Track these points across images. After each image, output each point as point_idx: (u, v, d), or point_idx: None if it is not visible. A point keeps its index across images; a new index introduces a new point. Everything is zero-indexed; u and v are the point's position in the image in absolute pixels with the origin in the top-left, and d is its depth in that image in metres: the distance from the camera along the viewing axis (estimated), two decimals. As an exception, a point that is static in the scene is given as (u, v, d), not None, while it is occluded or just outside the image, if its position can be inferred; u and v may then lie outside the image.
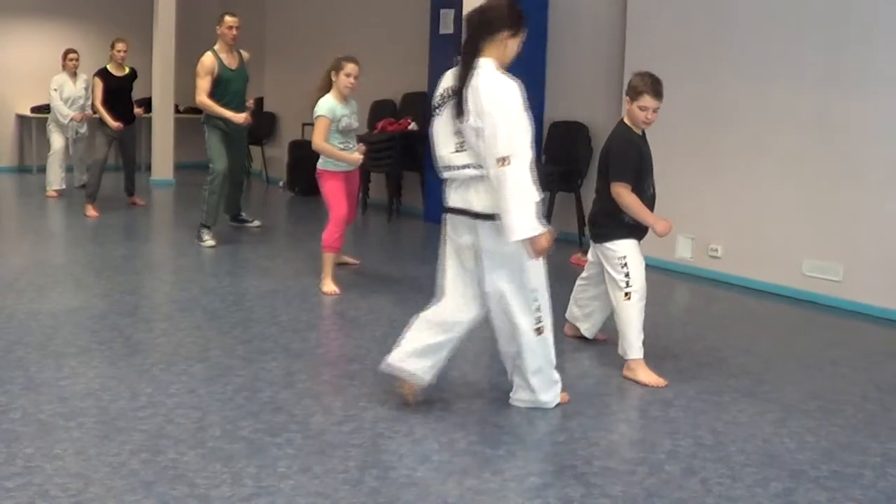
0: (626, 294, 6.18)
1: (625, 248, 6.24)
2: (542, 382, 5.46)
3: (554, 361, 5.50)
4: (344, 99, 8.25)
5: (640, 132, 6.36)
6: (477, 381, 6.16)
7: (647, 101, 6.19)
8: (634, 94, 6.24)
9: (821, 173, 8.44)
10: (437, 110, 5.26)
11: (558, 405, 5.51)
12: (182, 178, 15.66)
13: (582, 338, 6.93)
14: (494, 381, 6.09)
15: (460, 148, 5.10)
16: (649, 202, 6.32)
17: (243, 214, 11.43)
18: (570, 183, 10.98)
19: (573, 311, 6.99)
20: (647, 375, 6.10)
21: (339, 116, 8.15)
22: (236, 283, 8.54)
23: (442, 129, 5.22)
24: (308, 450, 4.77)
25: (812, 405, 5.86)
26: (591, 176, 10.84)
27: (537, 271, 5.31)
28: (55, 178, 13.92)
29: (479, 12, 5.20)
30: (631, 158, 6.22)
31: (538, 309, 5.35)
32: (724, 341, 7.05)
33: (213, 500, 4.20)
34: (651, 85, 6.22)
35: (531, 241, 5.00)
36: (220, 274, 8.89)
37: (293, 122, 16.08)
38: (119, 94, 12.57)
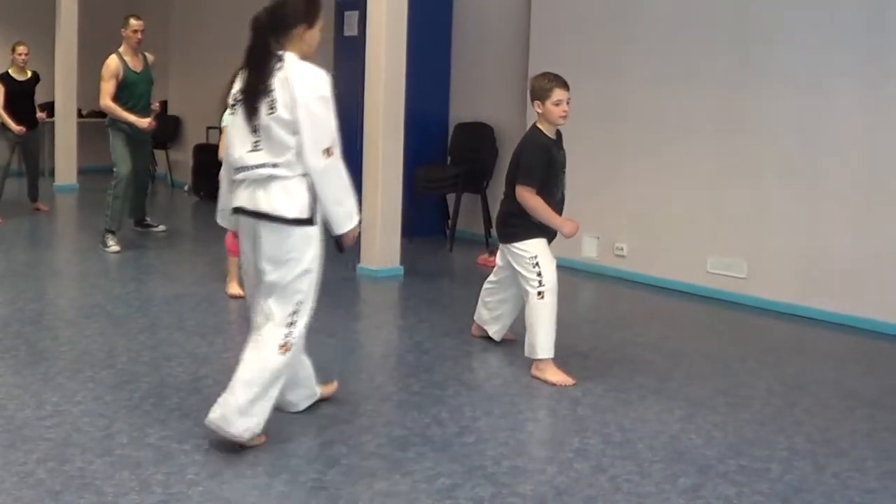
0: (540, 293, 6.18)
1: (535, 248, 6.24)
2: (245, 405, 4.79)
3: (275, 396, 4.89)
4: None
5: (554, 136, 6.35)
6: (383, 383, 6.15)
7: (560, 93, 6.19)
8: (544, 92, 6.22)
9: (724, 171, 8.54)
10: (232, 110, 4.95)
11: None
12: (86, 184, 15.45)
13: (489, 338, 6.93)
14: (401, 383, 6.09)
15: (256, 147, 4.81)
16: (558, 206, 6.33)
17: (148, 219, 11.31)
18: (476, 184, 11.00)
19: (481, 313, 6.96)
20: (555, 375, 6.11)
21: None
22: (142, 288, 8.45)
23: (237, 131, 5.00)
24: (216, 455, 4.73)
25: (719, 401, 5.92)
26: (497, 177, 10.91)
27: (310, 283, 4.92)
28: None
29: (268, 12, 4.93)
30: (539, 162, 6.22)
31: (292, 324, 4.89)
32: (630, 339, 7.10)
33: (120, 508, 4.16)
34: (556, 79, 6.24)
35: (349, 233, 4.92)
36: (125, 279, 8.79)
37: (198, 125, 15.94)
38: (21, 98, 12.39)
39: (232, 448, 4.75)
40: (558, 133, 6.40)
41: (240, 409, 4.71)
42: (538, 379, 6.15)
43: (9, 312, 7.40)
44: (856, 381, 6.52)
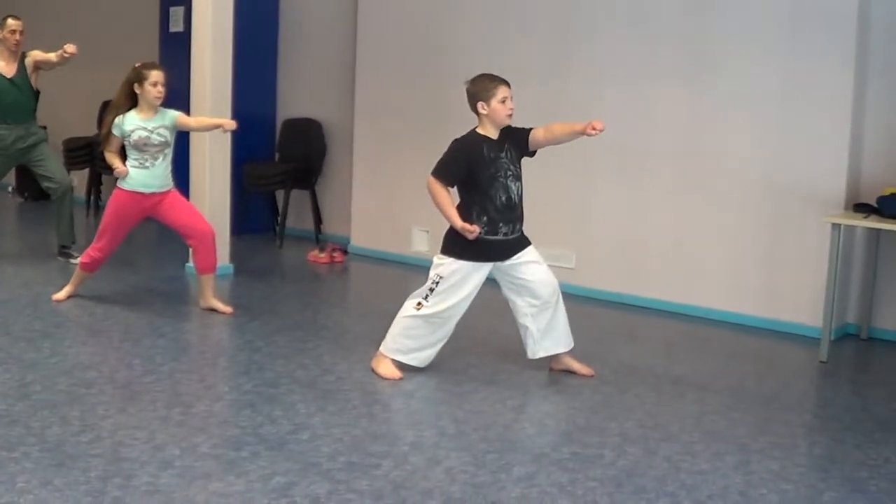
0: (419, 305, 6.09)
1: (448, 271, 6.04)
2: None
3: None
4: (153, 110, 7.54)
5: (496, 136, 6.06)
6: (215, 383, 6.10)
7: (505, 90, 5.98)
8: (488, 93, 5.97)
9: (552, 164, 8.64)
10: None
11: None
12: None
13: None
14: (233, 382, 6.05)
15: None
16: (501, 210, 6.02)
17: None
18: (305, 180, 10.97)
19: (526, 342, 6.39)
20: (386, 368, 6.13)
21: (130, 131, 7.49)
22: (-37, 293, 8.24)
23: None
24: (47, 462, 4.63)
25: (550, 390, 6.01)
26: (326, 173, 10.96)
27: None
28: None
29: None
30: (453, 158, 6.03)
31: None
32: (461, 332, 7.13)
33: (-54, 520, 4.06)
34: (497, 78, 6.05)
35: None
36: (-55, 285, 8.57)
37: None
38: None
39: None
40: (504, 133, 6.10)
41: None
42: (372, 370, 6.19)
43: None
44: (684, 367, 6.68)
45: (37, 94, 9.45)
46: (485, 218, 5.98)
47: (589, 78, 8.55)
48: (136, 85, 7.42)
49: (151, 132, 7.43)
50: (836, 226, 6.92)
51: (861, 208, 7.12)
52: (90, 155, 12.37)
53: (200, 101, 8.88)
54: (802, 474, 4.84)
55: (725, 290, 8.00)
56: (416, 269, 9.54)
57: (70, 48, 8.82)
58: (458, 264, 6.03)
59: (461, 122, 6.14)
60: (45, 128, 9.81)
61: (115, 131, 7.45)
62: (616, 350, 7.03)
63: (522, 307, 6.23)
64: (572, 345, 6.37)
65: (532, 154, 6.18)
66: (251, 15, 10.34)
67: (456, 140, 6.11)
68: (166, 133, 7.49)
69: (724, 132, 7.93)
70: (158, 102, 7.47)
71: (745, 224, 7.87)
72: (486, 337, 7.12)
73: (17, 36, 9.24)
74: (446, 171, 6.03)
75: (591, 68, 8.54)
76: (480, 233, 5.93)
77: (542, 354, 6.32)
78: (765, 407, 5.90)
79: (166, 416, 5.31)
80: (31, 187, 13.53)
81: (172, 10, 11.77)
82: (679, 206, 8.15)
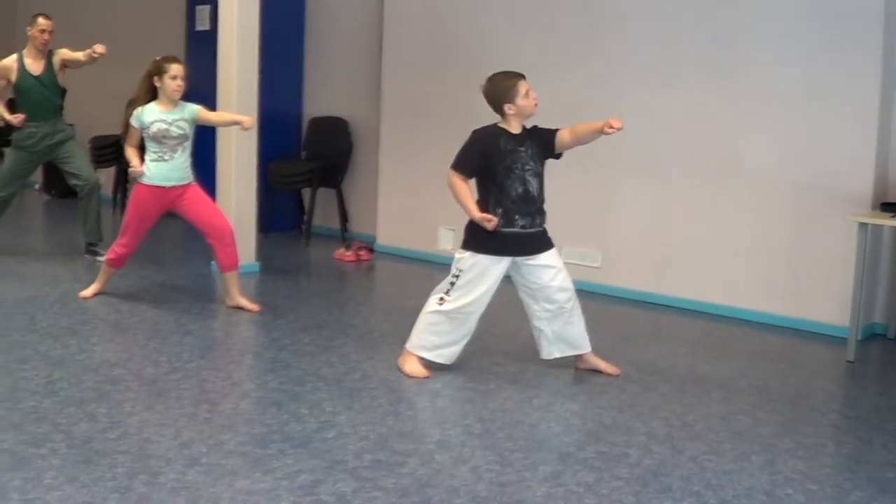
0: (442, 300, 6.12)
1: (468, 264, 6.08)
2: None
3: None
4: (173, 104, 7.55)
5: (518, 131, 6.06)
6: (241, 380, 6.12)
7: (525, 83, 5.98)
8: (511, 92, 5.96)
9: (577, 163, 8.62)
10: None
11: None
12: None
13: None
14: (259, 380, 6.06)
15: None
16: (517, 202, 6.01)
17: None
18: (332, 179, 10.98)
19: (540, 343, 6.39)
20: (412, 367, 6.14)
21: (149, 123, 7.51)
22: (-9, 290, 8.28)
23: None
24: (74, 459, 4.65)
25: (576, 389, 6.00)
26: (352, 171, 10.95)
27: None
28: None
29: None
30: (471, 150, 6.05)
31: None
32: (487, 329, 7.13)
33: (-25, 515, 4.08)
34: (512, 73, 6.04)
35: None
36: (-27, 282, 8.61)
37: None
38: None
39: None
40: (528, 130, 6.10)
41: None
42: (399, 368, 6.20)
43: None
44: (709, 366, 6.66)
45: (64, 91, 9.48)
46: (500, 210, 5.99)
47: (613, 75, 8.54)
48: (155, 78, 7.47)
49: (170, 125, 7.46)
50: (863, 225, 6.90)
51: (888, 207, 7.08)
52: (117, 153, 12.37)
53: (227, 99, 8.89)
54: (829, 474, 4.82)
55: (751, 289, 7.97)
56: (442, 268, 9.49)
57: (99, 48, 8.85)
58: (477, 258, 6.05)
59: (488, 121, 6.14)
60: (72, 125, 9.82)
61: (135, 122, 7.47)
62: (641, 349, 7.02)
63: (537, 311, 6.23)
64: (589, 348, 6.35)
65: (557, 156, 6.17)
66: (277, 13, 10.34)
67: (474, 131, 6.12)
68: (185, 126, 7.52)
69: (750, 130, 7.90)
70: (178, 96, 7.49)
71: (772, 223, 7.83)
72: (511, 336, 7.11)
73: (46, 35, 9.27)
74: (463, 163, 6.06)
75: (615, 65, 8.53)
76: (498, 224, 5.93)
77: (557, 355, 6.32)
78: (791, 407, 5.88)
79: (193, 414, 5.33)
80: (58, 185, 13.58)
81: (199, 8, 11.81)
82: (704, 204, 8.13)
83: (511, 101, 5.97)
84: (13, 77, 9.30)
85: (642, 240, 8.48)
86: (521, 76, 6.03)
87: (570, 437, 5.18)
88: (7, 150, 9.69)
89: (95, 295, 7.88)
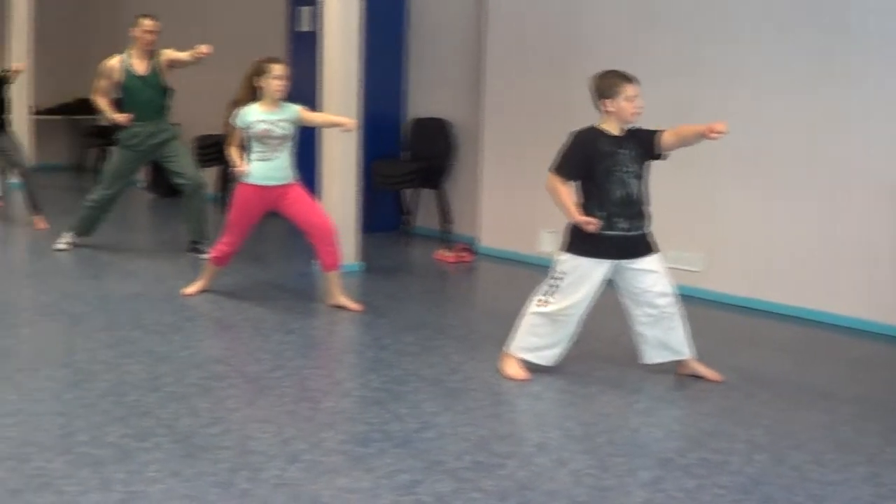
0: (541, 302, 6.10)
1: (570, 266, 6.06)
2: None
3: None
4: (275, 104, 7.60)
5: (619, 132, 6.01)
6: (343, 379, 6.16)
7: (633, 89, 5.93)
8: (613, 91, 5.93)
9: (679, 165, 8.55)
10: None
11: None
12: (40, 181, 15.25)
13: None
14: (361, 379, 6.09)
15: None
16: (618, 204, 5.96)
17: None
18: (433, 179, 11.00)
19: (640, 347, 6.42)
20: (513, 369, 6.12)
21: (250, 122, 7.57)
22: (99, 286, 8.40)
23: None
24: (177, 453, 4.71)
25: (677, 394, 5.96)
26: (455, 172, 10.94)
27: None
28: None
29: None
30: (571, 153, 6.02)
31: None
32: (589, 333, 7.09)
33: (81, 507, 4.14)
34: (624, 75, 5.99)
35: None
36: (82, 277, 8.75)
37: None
38: None
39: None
40: (629, 132, 6.04)
41: None
42: (500, 371, 6.18)
43: (-36, 311, 7.35)
44: (812, 373, 6.58)
45: (170, 91, 9.60)
46: (602, 213, 5.94)
47: (721, 78, 8.44)
48: (257, 79, 7.53)
49: (273, 125, 7.51)
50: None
51: None
52: (221, 152, 12.52)
53: (329, 100, 8.95)
54: (936, 486, 4.74)
55: (855, 296, 7.84)
56: (544, 271, 9.50)
57: (204, 48, 8.96)
58: (578, 261, 6.02)
59: (591, 121, 6.11)
60: (177, 125, 9.92)
61: (238, 122, 7.54)
62: (743, 355, 6.94)
63: (639, 316, 6.18)
64: (688, 354, 6.27)
65: (659, 157, 6.12)
66: (379, 13, 10.37)
67: (572, 133, 6.09)
68: (288, 126, 7.57)
69: (856, 138, 7.77)
70: (280, 96, 7.54)
71: (877, 231, 7.70)
72: (613, 340, 7.06)
73: (151, 36, 9.42)
74: (563, 165, 6.04)
75: (723, 68, 8.44)
76: (598, 227, 5.89)
77: (658, 360, 6.26)
78: (896, 417, 5.80)
79: (294, 411, 5.37)
80: (163, 183, 13.76)
81: (301, 9, 11.90)
82: (809, 210, 8.02)
83: (612, 98, 5.93)
84: (116, 76, 9.45)
85: (744, 244, 8.37)
86: (633, 80, 5.98)
87: (670, 443, 5.15)
88: (114, 150, 9.83)
89: (199, 292, 7.97)
